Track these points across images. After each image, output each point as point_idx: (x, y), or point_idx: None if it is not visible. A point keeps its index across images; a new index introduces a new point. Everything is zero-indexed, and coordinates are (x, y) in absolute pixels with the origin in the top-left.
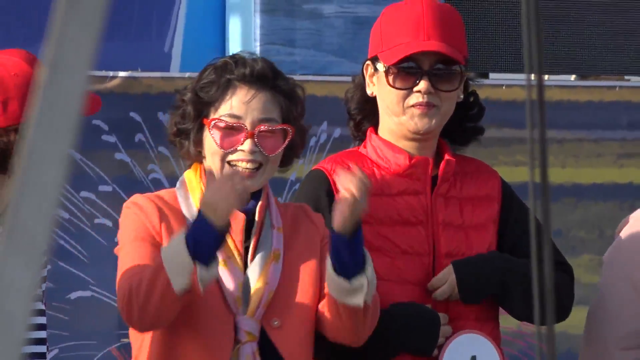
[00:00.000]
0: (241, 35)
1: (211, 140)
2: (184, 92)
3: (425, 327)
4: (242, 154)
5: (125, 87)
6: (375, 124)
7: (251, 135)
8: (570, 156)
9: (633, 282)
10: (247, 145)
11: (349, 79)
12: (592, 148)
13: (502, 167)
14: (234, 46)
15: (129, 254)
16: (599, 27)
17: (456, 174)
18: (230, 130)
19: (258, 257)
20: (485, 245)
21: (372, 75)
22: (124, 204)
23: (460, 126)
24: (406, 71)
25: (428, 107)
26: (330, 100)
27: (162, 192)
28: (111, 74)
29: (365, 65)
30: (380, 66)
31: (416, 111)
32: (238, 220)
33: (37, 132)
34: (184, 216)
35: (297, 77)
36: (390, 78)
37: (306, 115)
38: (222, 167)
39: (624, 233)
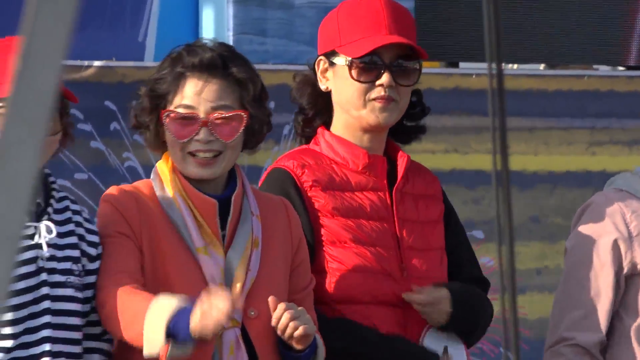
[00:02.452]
0: (214, 25)
1: (166, 131)
2: (141, 87)
3: None
4: (198, 144)
5: (100, 76)
6: (326, 120)
7: (205, 124)
8: (542, 144)
9: (594, 266)
10: (202, 134)
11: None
12: (562, 136)
13: (475, 155)
14: (207, 36)
15: (112, 254)
16: (568, 17)
17: (407, 170)
18: (185, 121)
19: (238, 243)
20: (440, 242)
21: (325, 71)
22: (102, 197)
23: (402, 124)
24: (370, 65)
25: (388, 101)
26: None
27: (138, 183)
28: (86, 63)
29: (317, 61)
30: (340, 60)
31: (377, 104)
32: (210, 207)
33: (11, 121)
34: (161, 206)
35: (269, 67)
36: (354, 71)
37: (279, 104)
38: (183, 157)
39: (585, 218)
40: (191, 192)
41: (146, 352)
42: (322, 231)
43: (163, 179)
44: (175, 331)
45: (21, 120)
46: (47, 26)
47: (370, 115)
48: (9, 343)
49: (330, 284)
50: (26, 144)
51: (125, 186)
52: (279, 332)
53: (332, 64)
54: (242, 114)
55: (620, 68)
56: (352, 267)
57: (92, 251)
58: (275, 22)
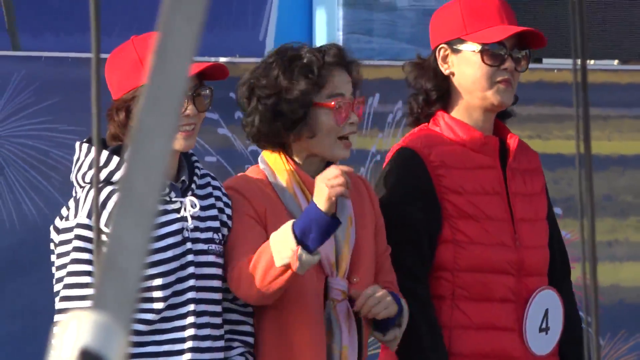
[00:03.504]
0: (326, 26)
1: (323, 120)
2: (266, 100)
3: None
4: (351, 127)
5: None
6: (444, 103)
7: (354, 109)
8: (615, 131)
9: None
10: (352, 117)
11: None
12: (633, 124)
13: (556, 141)
14: (320, 35)
15: (243, 235)
16: (638, 17)
17: (516, 142)
18: (343, 108)
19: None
20: (545, 212)
21: (446, 57)
22: (226, 185)
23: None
24: (498, 51)
25: (509, 84)
26: (404, 83)
27: (251, 172)
28: (213, 59)
29: (439, 49)
30: (468, 46)
31: (502, 87)
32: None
33: (146, 110)
34: (275, 192)
35: (374, 62)
36: (485, 56)
37: (383, 95)
38: (335, 142)
39: None
40: (307, 180)
41: (278, 262)
42: (448, 207)
43: (275, 168)
44: (303, 238)
45: (155, 110)
46: (180, 25)
47: (496, 95)
48: (160, 305)
49: (455, 253)
50: (159, 131)
51: (245, 175)
52: (363, 318)
53: (455, 50)
54: (362, 99)
55: None
56: (473, 239)
57: (230, 222)
58: (380, 22)
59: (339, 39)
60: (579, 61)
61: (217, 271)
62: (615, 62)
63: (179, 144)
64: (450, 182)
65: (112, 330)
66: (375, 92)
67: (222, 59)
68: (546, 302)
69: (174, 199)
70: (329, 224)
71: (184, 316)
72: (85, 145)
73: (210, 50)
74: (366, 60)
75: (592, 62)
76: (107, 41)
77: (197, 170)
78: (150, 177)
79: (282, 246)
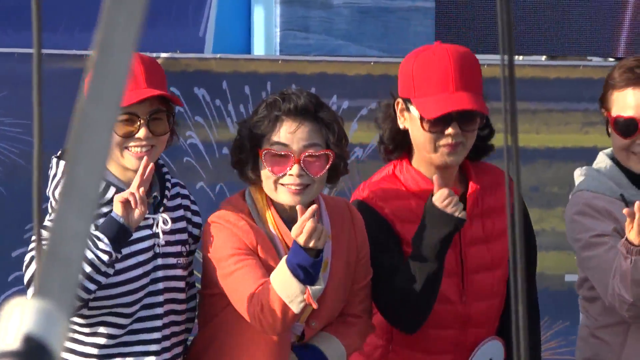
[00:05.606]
0: (264, 22)
1: (264, 165)
2: (241, 128)
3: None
4: (291, 178)
5: (166, 66)
6: (405, 152)
7: (297, 161)
8: (543, 124)
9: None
10: (295, 170)
11: (355, 59)
12: (560, 117)
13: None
14: (258, 32)
15: (248, 270)
16: (565, 15)
17: (477, 193)
18: (280, 158)
19: None
20: (505, 255)
21: (403, 110)
22: (215, 220)
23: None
24: (439, 119)
25: (456, 146)
26: (339, 77)
27: (237, 203)
28: (154, 55)
29: (395, 102)
30: (414, 110)
31: (445, 150)
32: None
33: (89, 103)
34: (257, 225)
35: (311, 58)
36: (425, 124)
37: (319, 90)
38: (275, 187)
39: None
40: (281, 225)
41: (297, 310)
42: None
43: (259, 208)
44: (298, 273)
45: (98, 102)
46: (121, 20)
47: (440, 158)
48: (126, 321)
49: None
50: (101, 123)
51: (232, 210)
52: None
53: (407, 108)
54: (329, 153)
55: (611, 59)
56: None
57: (196, 232)
58: (316, 19)
59: (277, 35)
60: (506, 57)
61: (182, 284)
62: (543, 57)
63: (132, 163)
64: (404, 235)
65: (55, 317)
66: (311, 86)
67: (163, 55)
68: (490, 353)
69: (146, 216)
70: (315, 263)
71: (150, 330)
72: (62, 162)
73: (151, 46)
74: (303, 56)
75: (521, 57)
76: (52, 38)
77: (168, 184)
78: (92, 167)
79: (288, 290)
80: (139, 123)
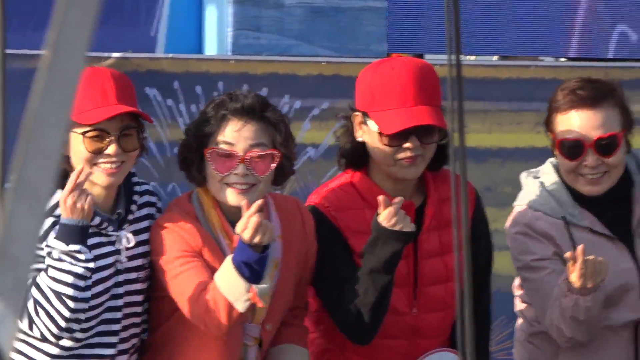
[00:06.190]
0: (216, 22)
1: (209, 165)
2: (188, 128)
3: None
4: (236, 177)
5: (117, 66)
6: (363, 164)
7: (243, 160)
8: (495, 124)
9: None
10: (240, 169)
11: (307, 59)
12: (512, 117)
13: None
14: (210, 32)
15: (192, 273)
16: (517, 15)
17: (436, 205)
18: (225, 158)
19: (267, 266)
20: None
21: (360, 123)
22: (160, 223)
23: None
24: (397, 133)
25: (414, 159)
26: (291, 77)
27: (183, 206)
28: (106, 54)
29: (353, 115)
30: (372, 125)
31: (405, 163)
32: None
33: (41, 102)
34: (203, 227)
35: (262, 58)
36: (384, 139)
37: (271, 90)
38: (221, 187)
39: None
40: (227, 227)
41: (242, 309)
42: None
43: (205, 208)
44: (243, 271)
45: (49, 101)
46: (74, 19)
47: (399, 171)
48: (83, 335)
49: None
50: (53, 122)
51: (178, 213)
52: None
53: (365, 122)
54: (275, 152)
55: (562, 59)
56: None
57: None
58: (268, 19)
59: (229, 35)
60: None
61: (142, 298)
62: (495, 57)
63: (102, 179)
64: (355, 246)
65: (4, 316)
66: (262, 86)
67: (115, 54)
68: None
69: (109, 233)
70: (260, 259)
71: (107, 346)
72: None
73: (102, 46)
74: (254, 56)
75: (473, 57)
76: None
77: (135, 196)
78: (43, 167)
79: (234, 289)
80: (109, 139)
